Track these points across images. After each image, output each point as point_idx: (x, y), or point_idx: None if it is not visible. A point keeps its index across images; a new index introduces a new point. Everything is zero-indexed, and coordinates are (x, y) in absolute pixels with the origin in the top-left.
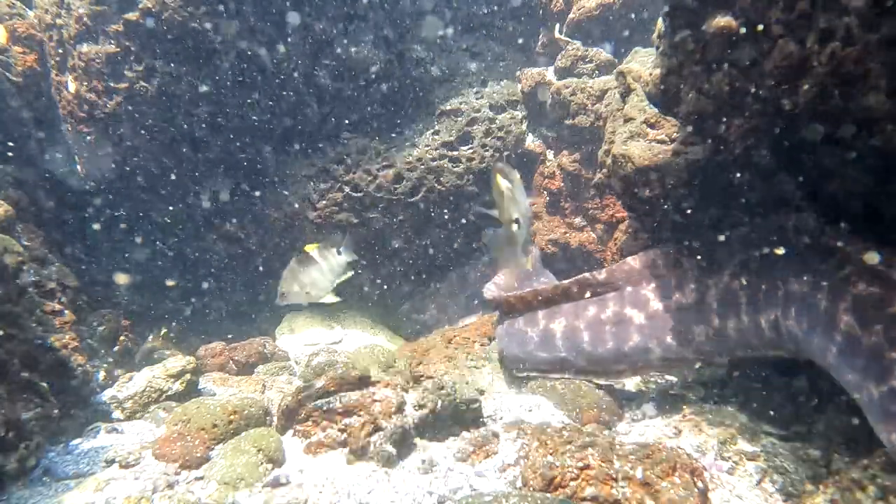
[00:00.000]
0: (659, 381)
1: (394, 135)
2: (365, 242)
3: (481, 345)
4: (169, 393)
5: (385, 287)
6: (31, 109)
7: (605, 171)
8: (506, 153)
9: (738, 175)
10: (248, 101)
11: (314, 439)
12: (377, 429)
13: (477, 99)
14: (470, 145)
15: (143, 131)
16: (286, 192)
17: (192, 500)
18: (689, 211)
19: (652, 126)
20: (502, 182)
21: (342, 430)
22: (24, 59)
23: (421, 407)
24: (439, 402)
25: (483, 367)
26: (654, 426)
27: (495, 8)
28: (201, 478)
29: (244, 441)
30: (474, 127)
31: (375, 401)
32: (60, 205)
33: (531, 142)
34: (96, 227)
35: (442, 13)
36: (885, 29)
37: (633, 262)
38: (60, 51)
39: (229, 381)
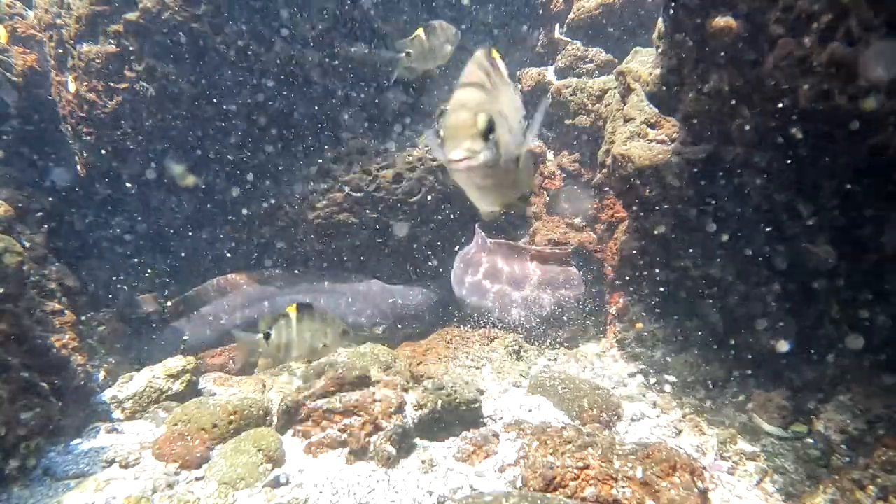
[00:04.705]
0: (659, 381)
1: (394, 135)
2: (364, 242)
3: (481, 345)
4: (169, 393)
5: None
6: (30, 109)
7: (605, 171)
8: None
9: (738, 175)
10: (249, 101)
11: (314, 439)
12: (377, 429)
13: None
14: None
15: (142, 132)
16: (286, 192)
17: (192, 500)
18: (688, 211)
19: (652, 126)
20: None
21: (342, 430)
22: (24, 59)
23: (421, 407)
24: (439, 402)
25: (483, 366)
26: (653, 426)
27: (495, 8)
28: (201, 478)
29: (244, 441)
30: None
31: (375, 401)
32: (60, 205)
33: (531, 141)
34: (96, 226)
35: (443, 12)
36: (885, 29)
37: None
38: (60, 51)
39: (229, 380)
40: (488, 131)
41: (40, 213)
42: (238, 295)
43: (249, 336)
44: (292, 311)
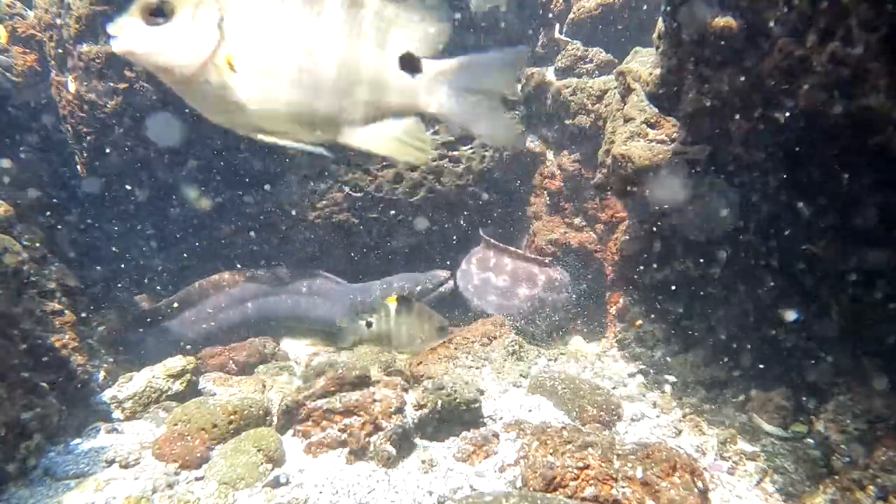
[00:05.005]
0: (659, 381)
1: None
2: (365, 242)
3: (481, 345)
4: (169, 393)
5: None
6: (31, 109)
7: (605, 171)
8: (506, 153)
9: (738, 175)
10: None
11: (314, 439)
12: (377, 429)
13: None
14: (470, 145)
15: (143, 132)
16: (286, 192)
17: (192, 500)
18: (688, 211)
19: (652, 126)
20: None
21: (342, 430)
22: (24, 59)
23: (421, 407)
24: (439, 402)
25: (483, 367)
26: (653, 426)
27: (496, 7)
28: (201, 478)
29: (244, 441)
30: None
31: (375, 401)
32: (60, 205)
33: (531, 142)
34: (96, 227)
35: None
36: (885, 29)
37: None
38: (60, 51)
39: (229, 380)
40: (157, 14)
41: (41, 214)
42: (221, 297)
43: (354, 321)
44: (392, 303)
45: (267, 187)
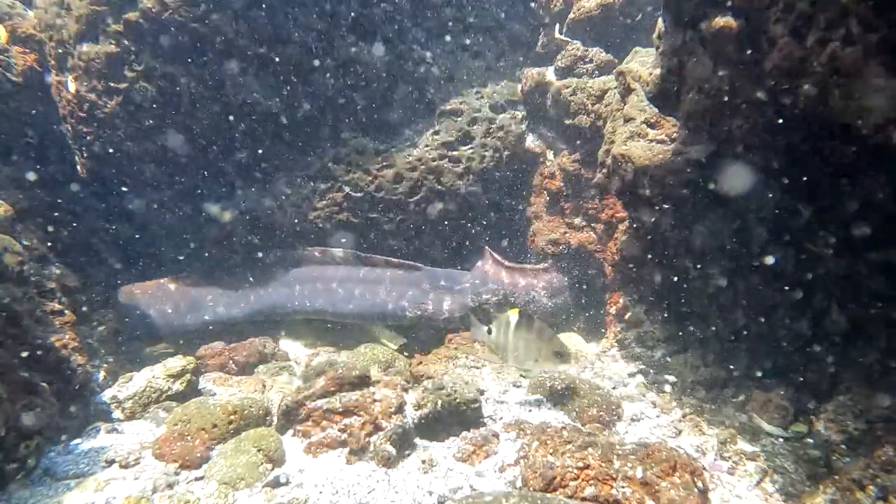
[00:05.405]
0: (659, 381)
1: (394, 135)
2: (365, 242)
3: (481, 345)
4: (169, 393)
5: None
6: (30, 109)
7: (605, 171)
8: (506, 153)
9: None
10: (248, 101)
11: (314, 439)
12: (377, 429)
13: (477, 99)
14: (470, 145)
15: (142, 132)
16: (286, 192)
17: (192, 500)
18: (688, 210)
19: (652, 126)
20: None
21: (342, 430)
22: (24, 59)
23: (421, 407)
24: (439, 402)
25: (483, 367)
26: (653, 426)
27: (496, 8)
28: (201, 478)
29: (244, 441)
30: (474, 127)
31: (375, 401)
32: (60, 205)
33: (531, 142)
34: (96, 227)
35: (443, 12)
36: (884, 29)
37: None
38: (60, 51)
39: (229, 380)
40: None
41: (40, 214)
42: (210, 291)
43: (479, 325)
44: (514, 315)
45: (267, 187)
